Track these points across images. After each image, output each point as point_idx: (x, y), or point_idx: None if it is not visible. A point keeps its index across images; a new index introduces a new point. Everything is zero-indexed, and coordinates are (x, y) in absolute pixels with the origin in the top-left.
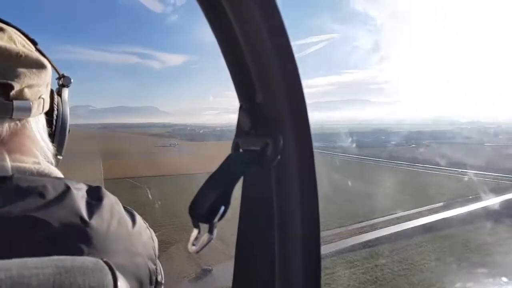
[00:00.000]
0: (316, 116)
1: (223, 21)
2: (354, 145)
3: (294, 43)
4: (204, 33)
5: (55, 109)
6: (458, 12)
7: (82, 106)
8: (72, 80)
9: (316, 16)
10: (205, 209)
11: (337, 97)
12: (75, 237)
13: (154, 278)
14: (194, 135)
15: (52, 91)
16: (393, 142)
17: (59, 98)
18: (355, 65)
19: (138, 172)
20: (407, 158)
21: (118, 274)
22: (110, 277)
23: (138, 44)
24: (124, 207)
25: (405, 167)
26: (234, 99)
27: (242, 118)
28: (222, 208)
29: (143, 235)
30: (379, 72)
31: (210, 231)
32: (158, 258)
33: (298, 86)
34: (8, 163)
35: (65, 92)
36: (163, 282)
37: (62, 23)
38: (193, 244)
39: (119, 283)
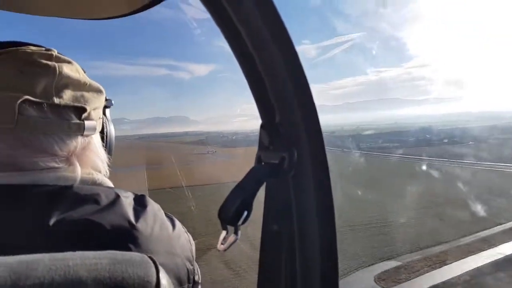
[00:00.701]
0: (348, 117)
1: (245, 52)
2: (404, 145)
3: (321, 44)
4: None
5: (105, 127)
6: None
7: (117, 119)
8: (113, 102)
9: (342, 16)
10: (231, 213)
11: (367, 97)
12: (125, 238)
13: (192, 277)
14: (228, 141)
15: None
16: (445, 140)
17: (105, 117)
18: (382, 64)
19: (180, 181)
20: (478, 156)
21: (160, 268)
22: (153, 269)
23: (167, 56)
24: (165, 214)
25: (483, 167)
26: None
27: (263, 135)
28: (245, 213)
29: (182, 239)
30: (408, 70)
31: (236, 233)
32: None
33: (312, 107)
34: (79, 174)
35: (108, 112)
36: (200, 282)
37: (97, 42)
38: (222, 243)
39: (160, 275)
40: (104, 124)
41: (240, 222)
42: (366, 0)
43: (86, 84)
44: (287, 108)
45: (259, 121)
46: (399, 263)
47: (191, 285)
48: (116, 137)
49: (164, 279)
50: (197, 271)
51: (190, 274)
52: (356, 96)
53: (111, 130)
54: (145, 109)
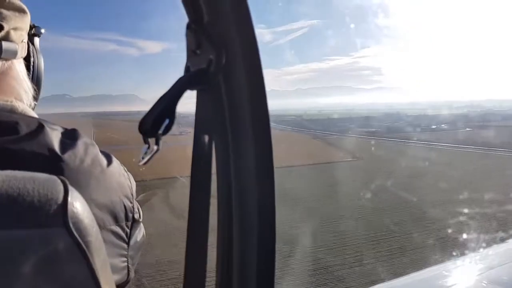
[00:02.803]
0: (302, 102)
1: None
2: (393, 129)
3: (275, 30)
4: (183, 20)
5: (31, 55)
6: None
7: (58, 95)
8: (43, 31)
9: (297, 2)
10: (149, 123)
11: (319, 84)
12: (46, 170)
13: (130, 215)
14: (190, 122)
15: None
16: (433, 126)
17: (33, 46)
18: (335, 52)
19: (162, 170)
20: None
21: (72, 189)
22: (61, 188)
23: (114, 30)
24: (102, 151)
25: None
26: None
27: (190, 38)
28: (167, 120)
29: (119, 175)
30: (359, 59)
31: (157, 143)
32: None
33: (245, 10)
34: None
35: (37, 41)
36: (140, 220)
37: (32, 9)
38: (142, 158)
39: (71, 195)
40: (32, 53)
41: (160, 131)
42: None
43: (5, 0)
44: (217, 7)
45: None
46: None
47: (129, 223)
48: (58, 114)
49: (77, 201)
50: (138, 210)
51: (128, 211)
52: (309, 83)
53: (40, 61)
54: (90, 86)
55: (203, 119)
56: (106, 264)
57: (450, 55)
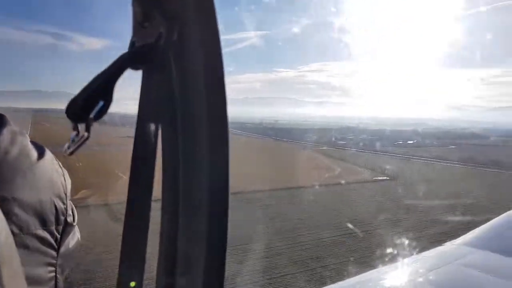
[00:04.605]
0: (251, 111)
1: None
2: (379, 143)
3: (224, 37)
4: (127, 18)
5: None
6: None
7: None
8: None
9: (248, 12)
10: (79, 105)
11: (266, 94)
12: None
13: (62, 218)
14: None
15: None
16: (410, 142)
17: None
18: (283, 64)
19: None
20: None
21: None
22: None
23: (51, 23)
24: (35, 142)
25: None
26: None
27: (136, 8)
28: (101, 103)
29: (51, 171)
30: (306, 72)
31: (87, 130)
32: None
33: None
34: None
35: None
36: (75, 224)
37: None
38: (69, 147)
39: None
40: None
41: (92, 115)
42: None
43: None
44: None
45: None
46: None
47: (60, 226)
48: None
49: None
50: (72, 212)
51: (60, 214)
52: (257, 92)
53: None
54: (19, 80)
55: (149, 105)
56: (19, 275)
57: (393, 73)
